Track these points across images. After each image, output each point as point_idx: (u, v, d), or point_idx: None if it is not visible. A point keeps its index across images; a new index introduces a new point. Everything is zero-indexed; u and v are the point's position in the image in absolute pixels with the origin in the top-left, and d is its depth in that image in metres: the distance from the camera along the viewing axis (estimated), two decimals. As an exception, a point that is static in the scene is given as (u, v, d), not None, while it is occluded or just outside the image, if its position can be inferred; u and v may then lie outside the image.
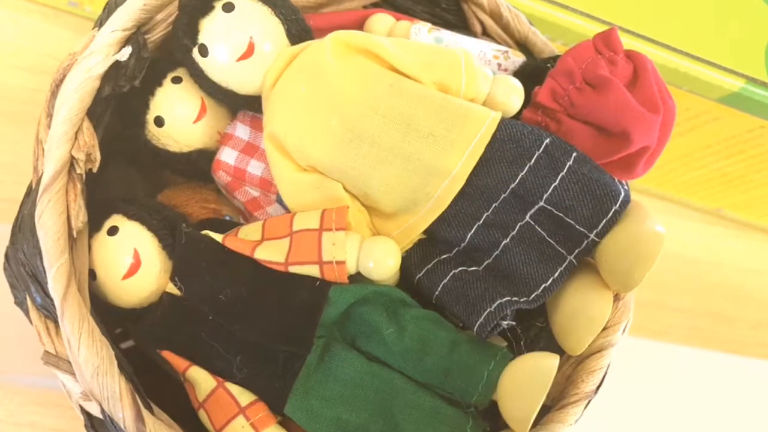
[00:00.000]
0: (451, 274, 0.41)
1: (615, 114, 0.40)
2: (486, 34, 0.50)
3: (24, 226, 0.40)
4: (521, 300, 0.40)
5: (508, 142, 0.40)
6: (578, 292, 0.41)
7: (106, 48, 0.41)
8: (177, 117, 0.45)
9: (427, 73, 0.41)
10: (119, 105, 0.44)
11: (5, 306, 0.44)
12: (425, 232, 0.42)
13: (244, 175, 0.46)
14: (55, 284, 0.37)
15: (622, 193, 0.39)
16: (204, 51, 0.43)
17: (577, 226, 0.39)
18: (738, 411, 0.75)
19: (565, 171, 0.40)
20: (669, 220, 0.79)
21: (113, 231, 0.42)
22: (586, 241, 0.40)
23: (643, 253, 0.38)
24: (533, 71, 0.46)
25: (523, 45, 0.50)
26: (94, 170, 0.41)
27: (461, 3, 0.51)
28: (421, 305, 0.41)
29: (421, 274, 0.42)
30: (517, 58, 0.47)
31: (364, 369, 0.40)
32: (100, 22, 0.42)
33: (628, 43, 0.58)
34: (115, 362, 0.37)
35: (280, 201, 0.46)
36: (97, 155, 0.40)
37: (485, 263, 0.41)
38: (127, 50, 0.42)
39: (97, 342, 0.37)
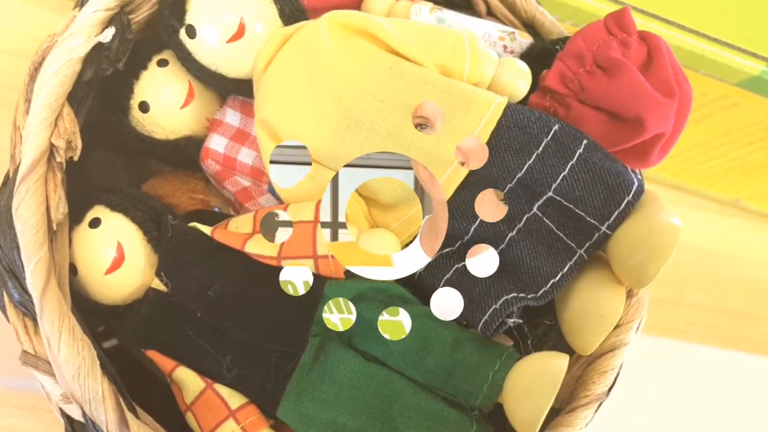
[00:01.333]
0: (454, 268, 0.41)
1: (628, 99, 0.40)
2: (491, 14, 0.50)
3: (0, 218, 0.40)
4: (528, 296, 0.40)
5: (514, 128, 0.40)
6: (589, 288, 0.40)
7: (87, 29, 0.41)
8: (163, 102, 0.45)
9: (428, 56, 0.41)
10: (102, 89, 0.44)
11: (-19, 303, 0.44)
12: (426, 224, 0.42)
13: (235, 163, 0.46)
14: (34, 279, 0.37)
15: (636, 183, 0.39)
16: (192, 32, 0.42)
17: (588, 218, 0.39)
18: (758, 413, 0.75)
19: (574, 159, 0.39)
20: (685, 212, 0.79)
21: (95, 223, 0.42)
22: (597, 234, 0.40)
23: (657, 247, 0.38)
24: (541, 53, 0.46)
25: (530, 26, 0.50)
26: (75, 158, 0.41)
27: (465, -19, 0.51)
28: (422, 302, 0.41)
29: (422, 268, 0.42)
30: (524, 40, 0.47)
31: (361, 369, 0.39)
32: (81, 2, 0.42)
33: (641, 23, 0.58)
34: (98, 362, 0.37)
35: (272, 191, 0.46)
36: (78, 142, 0.40)
37: (490, 257, 0.41)
38: (110, 31, 0.41)
39: (78, 341, 0.37)
